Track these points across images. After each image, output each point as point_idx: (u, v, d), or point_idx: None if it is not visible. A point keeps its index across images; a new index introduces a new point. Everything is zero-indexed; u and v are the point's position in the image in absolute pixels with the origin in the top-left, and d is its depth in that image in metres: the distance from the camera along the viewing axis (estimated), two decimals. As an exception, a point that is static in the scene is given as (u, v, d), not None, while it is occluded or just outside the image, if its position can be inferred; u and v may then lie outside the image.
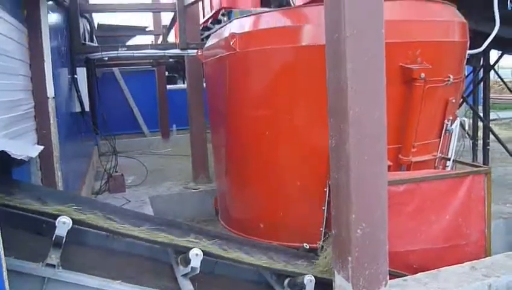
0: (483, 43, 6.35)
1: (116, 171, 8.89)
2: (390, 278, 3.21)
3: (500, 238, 5.99)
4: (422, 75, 4.39)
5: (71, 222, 3.02)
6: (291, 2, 7.36)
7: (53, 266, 2.87)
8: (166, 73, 15.49)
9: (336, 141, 3.17)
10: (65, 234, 3.00)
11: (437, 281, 3.24)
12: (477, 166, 4.89)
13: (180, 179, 9.42)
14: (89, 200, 5.21)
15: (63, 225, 2.99)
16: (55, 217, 3.03)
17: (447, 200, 4.40)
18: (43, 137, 4.83)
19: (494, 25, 6.18)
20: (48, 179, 4.84)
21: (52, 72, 5.10)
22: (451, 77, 4.75)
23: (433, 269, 3.55)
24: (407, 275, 3.56)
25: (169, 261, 3.67)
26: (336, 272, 3.23)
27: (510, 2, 6.14)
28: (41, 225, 3.29)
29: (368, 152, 3.11)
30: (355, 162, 3.05)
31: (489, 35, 6.25)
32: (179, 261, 3.46)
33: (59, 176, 5.08)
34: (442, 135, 5.03)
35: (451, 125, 5.03)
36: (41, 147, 4.08)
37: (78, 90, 7.82)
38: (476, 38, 6.37)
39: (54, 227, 2.99)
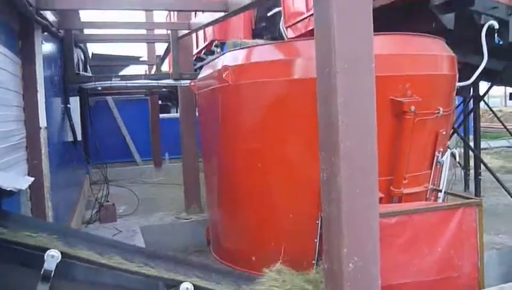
0: (472, 74, 6.46)
1: (108, 201, 8.82)
2: (383, 312, 3.19)
3: (494, 270, 5.96)
4: (413, 108, 4.44)
5: (60, 255, 2.99)
6: (283, 35, 7.48)
7: (41, 301, 2.82)
8: (160, 102, 15.57)
9: (327, 174, 3.18)
10: (54, 268, 2.96)
11: (430, 315, 3.21)
12: (468, 198, 4.92)
13: (172, 209, 9.35)
14: (78, 232, 5.15)
15: (52, 258, 2.96)
16: (44, 250, 3.00)
17: (439, 232, 4.40)
18: (34, 167, 4.81)
19: (482, 58, 6.30)
20: (38, 210, 4.80)
21: (45, 102, 5.12)
22: (441, 109, 4.81)
23: (426, 302, 3.52)
24: (400, 309, 3.53)
25: (159, 295, 3.62)
26: (328, 307, 3.20)
27: (497, 36, 6.27)
28: (29, 257, 3.23)
29: (359, 185, 3.12)
30: (346, 195, 3.06)
31: (478, 66, 6.37)
32: (169, 296, 3.41)
33: (49, 206, 5.04)
34: (433, 166, 5.06)
35: (442, 157, 5.07)
36: (32, 179, 4.05)
37: (70, 120, 7.83)
38: (466, 69, 6.49)
39: (43, 260, 2.95)
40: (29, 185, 4.35)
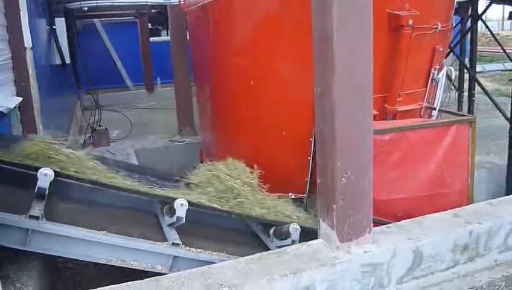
0: (471, -9, 6.25)
1: (100, 125, 8.79)
2: (374, 226, 3.24)
3: (483, 187, 6.09)
4: (410, 22, 4.29)
5: (53, 173, 2.97)
6: None
7: (37, 217, 2.84)
8: (150, 25, 15.06)
9: (321, 90, 3.10)
10: (47, 186, 2.96)
11: (420, 228, 3.27)
12: (462, 115, 4.91)
13: (165, 133, 9.35)
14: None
15: (45, 176, 2.95)
16: (37, 169, 2.98)
17: (431, 149, 4.42)
18: (22, 89, 4.71)
19: (484, -29, 6.07)
20: (29, 132, 4.75)
21: (29, 22, 4.92)
22: (439, 24, 4.66)
23: (417, 217, 3.58)
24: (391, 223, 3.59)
25: (154, 211, 3.67)
26: (320, 220, 3.25)
27: None
28: (23, 177, 3.23)
29: (354, 101, 3.06)
30: (340, 111, 3.00)
31: (478, -18, 6.15)
32: (164, 212, 3.45)
33: (40, 129, 4.99)
34: (429, 84, 4.99)
35: (437, 74, 4.98)
36: (20, 99, 3.97)
37: (57, 42, 7.59)
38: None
39: (36, 179, 2.94)
40: (19, 107, 4.28)
